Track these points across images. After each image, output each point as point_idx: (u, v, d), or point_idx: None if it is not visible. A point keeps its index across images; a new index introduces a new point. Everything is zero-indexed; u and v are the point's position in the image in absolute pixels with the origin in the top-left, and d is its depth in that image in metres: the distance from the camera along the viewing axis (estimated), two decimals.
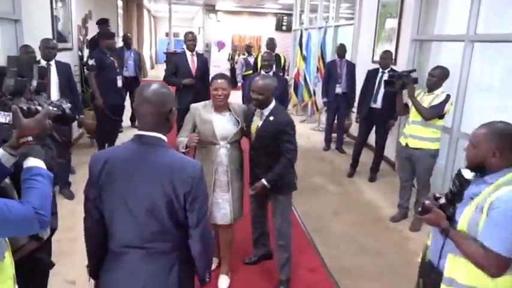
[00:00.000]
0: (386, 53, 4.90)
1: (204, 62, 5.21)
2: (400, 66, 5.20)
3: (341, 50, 6.04)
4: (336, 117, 6.22)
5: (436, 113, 3.54)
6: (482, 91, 4.12)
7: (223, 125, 2.68)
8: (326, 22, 7.78)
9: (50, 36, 4.87)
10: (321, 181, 5.10)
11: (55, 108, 1.66)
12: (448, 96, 3.55)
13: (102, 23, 6.43)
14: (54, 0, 5.14)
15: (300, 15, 10.08)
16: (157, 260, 1.46)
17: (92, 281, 1.65)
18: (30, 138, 1.31)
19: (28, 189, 1.25)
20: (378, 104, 4.82)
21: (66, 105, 1.68)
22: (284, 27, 15.39)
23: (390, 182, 5.01)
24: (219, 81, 2.63)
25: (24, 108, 1.37)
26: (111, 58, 5.09)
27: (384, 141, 4.98)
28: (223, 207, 2.73)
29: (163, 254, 1.47)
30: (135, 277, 1.45)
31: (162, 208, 1.41)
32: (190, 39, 5.04)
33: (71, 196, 4.14)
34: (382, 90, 4.67)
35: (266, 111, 2.66)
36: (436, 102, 3.55)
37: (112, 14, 9.60)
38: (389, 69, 4.78)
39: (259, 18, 15.78)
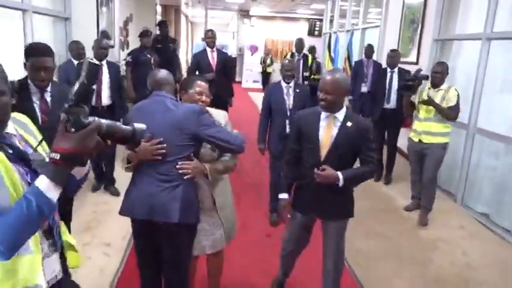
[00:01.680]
0: (395, 51, 4.87)
1: (224, 57, 5.48)
2: (423, 65, 5.34)
3: (369, 50, 6.13)
4: (361, 115, 6.37)
5: (458, 111, 3.70)
6: (498, 88, 4.22)
7: None
8: (353, 25, 7.99)
9: (95, 35, 5.38)
10: None
11: (129, 128, 1.17)
12: (456, 90, 3.71)
13: (144, 35, 6.64)
14: (100, 1, 5.65)
15: (331, 20, 10.32)
16: None
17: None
18: (56, 156, 1.00)
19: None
20: (391, 104, 4.73)
21: (139, 126, 1.17)
22: (316, 32, 15.61)
23: (404, 175, 5.15)
24: (204, 84, 2.22)
25: (84, 120, 1.03)
26: (148, 55, 5.53)
27: (396, 142, 4.93)
28: (212, 233, 2.26)
29: None
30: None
31: None
32: (210, 37, 5.36)
33: (116, 193, 4.17)
34: (395, 91, 4.64)
35: (340, 116, 2.21)
36: (447, 97, 3.70)
37: (151, 19, 10.16)
38: (397, 68, 4.78)
39: (292, 23, 16.09)
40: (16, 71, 3.40)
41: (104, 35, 5.82)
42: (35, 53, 2.25)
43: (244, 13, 15.86)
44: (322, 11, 11.90)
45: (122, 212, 2.04)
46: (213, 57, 5.32)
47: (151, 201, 1.92)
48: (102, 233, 3.44)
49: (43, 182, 1.01)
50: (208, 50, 5.35)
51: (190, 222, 1.98)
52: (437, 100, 3.72)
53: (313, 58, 6.87)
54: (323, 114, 2.23)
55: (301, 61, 6.23)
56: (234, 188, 2.48)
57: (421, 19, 5.48)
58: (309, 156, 2.26)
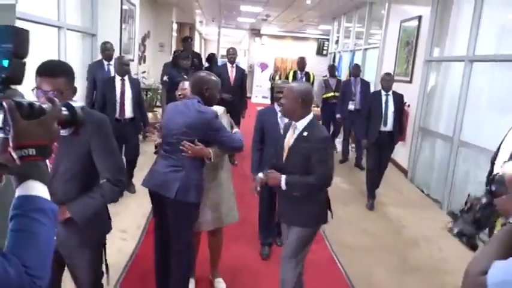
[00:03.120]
0: (389, 75, 4.86)
1: (241, 74, 6.09)
2: (415, 83, 5.82)
3: (356, 69, 6.50)
4: (352, 133, 6.69)
5: None
6: (479, 105, 4.64)
7: None
8: (355, 46, 8.50)
9: (118, 50, 5.94)
10: (336, 180, 5.71)
11: (63, 108, 0.99)
12: None
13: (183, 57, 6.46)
14: (123, 19, 6.25)
15: (337, 41, 10.87)
16: None
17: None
18: (32, 152, 0.83)
19: (20, 234, 0.79)
20: (388, 126, 4.69)
21: (77, 105, 1.02)
22: (324, 52, 16.15)
23: (396, 183, 5.55)
24: (183, 86, 2.77)
25: (24, 104, 0.85)
26: (185, 76, 5.94)
27: (387, 165, 4.95)
28: (205, 213, 2.68)
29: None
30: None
31: None
32: (231, 54, 6.01)
33: (133, 190, 4.46)
34: (391, 113, 4.67)
35: (301, 125, 2.32)
36: None
37: (167, 35, 10.82)
38: (391, 91, 4.74)
39: (301, 42, 16.69)
40: None
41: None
42: (39, 71, 1.70)
43: (255, 32, 16.53)
44: (329, 31, 12.47)
45: (143, 183, 2.57)
46: (232, 72, 5.95)
47: (160, 178, 2.45)
48: (119, 222, 3.90)
49: (36, 188, 0.83)
50: (229, 65, 5.97)
51: (185, 200, 2.41)
52: None
53: (335, 77, 7.12)
54: (290, 123, 2.42)
55: (304, 79, 6.64)
56: (239, 189, 2.93)
57: (415, 41, 5.96)
58: (276, 157, 2.52)
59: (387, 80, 4.76)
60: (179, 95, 2.77)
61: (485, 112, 4.55)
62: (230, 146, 2.52)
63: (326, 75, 7.54)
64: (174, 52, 7.16)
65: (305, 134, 2.29)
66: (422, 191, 5.49)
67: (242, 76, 6.10)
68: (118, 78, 4.27)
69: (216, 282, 2.99)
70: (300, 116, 2.31)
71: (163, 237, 2.60)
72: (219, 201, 2.76)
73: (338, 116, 6.53)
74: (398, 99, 4.77)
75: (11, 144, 0.82)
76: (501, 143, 2.84)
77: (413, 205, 4.97)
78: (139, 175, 5.18)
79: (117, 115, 4.23)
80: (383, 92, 4.75)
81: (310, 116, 2.33)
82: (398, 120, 4.75)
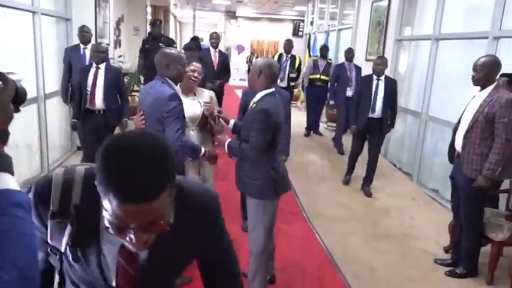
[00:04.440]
0: (382, 59, 4.59)
1: (224, 58, 6.15)
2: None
3: (350, 53, 6.24)
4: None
5: None
6: (445, 81, 4.89)
7: (192, 107, 2.78)
8: (329, 26, 8.65)
9: (93, 33, 5.91)
10: (314, 158, 5.94)
11: None
12: None
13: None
14: (97, 3, 6.21)
15: (311, 22, 10.99)
16: None
17: None
18: None
19: (4, 236, 0.69)
20: (376, 113, 4.48)
21: (16, 77, 0.81)
22: (300, 33, 16.25)
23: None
24: (197, 64, 2.80)
25: None
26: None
27: (379, 152, 4.74)
28: None
29: None
30: None
31: None
32: (214, 38, 6.01)
33: None
34: (381, 99, 4.46)
35: (257, 98, 2.42)
36: None
37: (142, 19, 10.71)
38: (384, 76, 4.52)
39: (277, 24, 16.75)
40: (24, 71, 3.96)
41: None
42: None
43: (231, 14, 16.47)
44: (304, 13, 12.57)
45: None
46: (215, 57, 5.94)
47: None
48: None
49: (4, 180, 0.72)
50: (212, 50, 5.97)
51: None
52: None
53: (326, 58, 6.88)
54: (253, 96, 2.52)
55: (288, 62, 6.70)
56: (222, 167, 3.06)
57: (385, 21, 6.15)
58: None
59: (378, 65, 4.48)
60: (195, 76, 2.76)
61: (451, 88, 4.80)
62: (169, 134, 2.36)
63: (317, 56, 7.44)
64: (144, 40, 6.66)
65: (254, 105, 2.41)
66: (395, 165, 5.77)
67: (225, 60, 6.14)
68: (94, 66, 3.99)
69: None
70: (258, 88, 2.41)
71: None
72: (209, 176, 2.92)
73: (332, 102, 6.40)
74: (391, 85, 4.52)
75: None
76: (462, 115, 3.10)
77: (386, 178, 5.23)
78: None
79: (88, 104, 3.98)
80: (374, 77, 4.51)
81: (268, 90, 2.39)
82: (389, 108, 4.51)
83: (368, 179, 4.74)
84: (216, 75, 5.76)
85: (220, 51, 6.07)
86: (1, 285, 0.65)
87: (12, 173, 0.75)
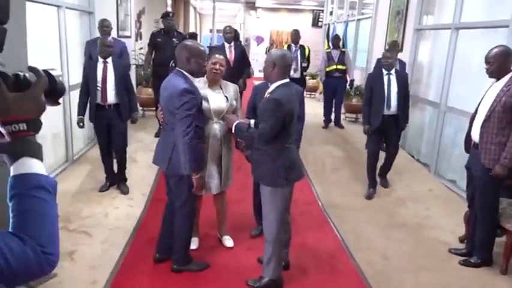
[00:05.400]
0: (389, 52, 4.40)
1: (241, 51, 5.81)
2: (406, 52, 5.98)
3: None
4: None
5: None
6: (465, 71, 4.83)
7: (217, 101, 2.84)
8: (348, 16, 8.58)
9: (115, 26, 6.06)
10: (330, 149, 5.96)
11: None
12: None
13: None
14: None
15: (331, 12, 10.91)
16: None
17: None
18: (23, 126, 0.79)
19: (27, 214, 0.77)
20: (392, 109, 4.22)
21: (56, 73, 0.89)
22: (320, 23, 16.12)
23: None
24: (218, 56, 2.83)
25: (10, 75, 0.81)
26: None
27: (397, 149, 4.51)
28: (216, 178, 2.93)
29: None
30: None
31: None
32: (228, 32, 5.63)
33: (127, 191, 4.10)
34: (395, 94, 4.20)
35: (272, 87, 2.50)
36: None
37: (162, 11, 10.80)
38: (394, 69, 4.28)
39: (296, 14, 16.63)
40: (49, 64, 4.12)
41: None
42: None
43: (250, 5, 16.45)
44: (324, 3, 12.46)
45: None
46: (231, 52, 5.60)
47: (157, 151, 2.79)
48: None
49: (32, 164, 0.80)
50: (227, 45, 5.63)
51: (176, 173, 2.63)
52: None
53: (339, 48, 6.99)
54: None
55: (299, 52, 6.72)
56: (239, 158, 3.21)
57: (405, 10, 6.08)
58: None
59: (387, 58, 4.23)
60: (216, 69, 2.79)
61: (470, 78, 4.73)
62: (178, 131, 2.48)
63: (330, 47, 7.40)
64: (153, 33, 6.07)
65: (267, 95, 2.48)
66: (413, 156, 5.74)
67: (242, 54, 5.83)
68: (100, 61, 3.88)
69: (224, 239, 3.27)
70: (273, 79, 2.48)
71: (171, 203, 2.88)
72: (229, 166, 3.00)
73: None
74: (402, 78, 4.31)
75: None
76: (478, 104, 3.08)
77: (403, 169, 5.21)
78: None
79: (98, 100, 3.88)
80: (384, 72, 4.25)
81: (282, 81, 2.46)
82: (403, 103, 4.28)
83: (384, 171, 4.59)
84: (234, 71, 5.31)
85: (236, 44, 5.72)
86: (26, 260, 0.72)
87: (41, 159, 0.82)
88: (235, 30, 6.14)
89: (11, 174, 0.80)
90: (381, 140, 4.40)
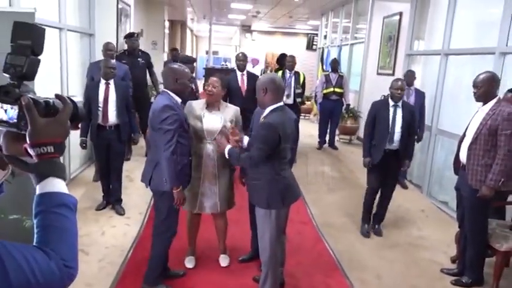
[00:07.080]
0: (402, 81, 3.89)
1: (254, 81, 5.33)
2: (397, 76, 6.14)
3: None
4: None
5: None
6: (454, 95, 4.99)
7: (211, 121, 2.90)
8: (341, 40, 8.82)
9: (115, 47, 6.17)
10: (324, 169, 6.06)
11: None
12: None
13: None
14: (119, 18, 6.50)
15: (325, 36, 11.19)
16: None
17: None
18: (51, 149, 0.87)
19: (50, 229, 0.83)
20: (394, 144, 3.84)
21: (77, 100, 0.98)
22: (314, 47, 16.48)
23: None
24: (213, 78, 2.95)
25: (41, 101, 0.88)
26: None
27: (394, 187, 4.10)
28: (211, 197, 2.98)
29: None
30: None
31: None
32: (241, 60, 5.21)
33: (122, 212, 4.13)
34: (399, 128, 3.82)
35: (265, 112, 2.56)
36: None
37: (159, 33, 11.03)
38: (401, 101, 3.85)
39: (291, 37, 17.02)
40: (50, 84, 4.21)
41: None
42: None
43: (246, 28, 16.83)
44: (318, 27, 12.78)
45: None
46: (243, 81, 5.17)
47: (143, 169, 2.79)
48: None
49: (56, 184, 0.87)
50: (239, 73, 5.20)
51: (158, 189, 2.65)
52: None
53: (337, 72, 7.05)
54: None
55: (293, 78, 6.39)
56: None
57: (397, 36, 6.30)
58: None
59: (397, 89, 3.77)
60: (209, 90, 2.89)
61: (460, 102, 4.89)
62: (159, 145, 2.55)
63: (328, 70, 7.53)
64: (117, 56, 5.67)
65: (262, 119, 2.53)
66: (405, 178, 5.83)
67: (255, 84, 5.43)
68: (103, 82, 3.97)
69: (221, 257, 3.30)
70: (268, 103, 2.52)
71: None
72: (226, 189, 3.02)
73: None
74: (411, 112, 3.88)
75: (28, 141, 0.84)
76: (466, 128, 3.20)
77: (396, 190, 5.25)
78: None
79: (99, 121, 3.97)
80: (391, 102, 3.84)
81: (277, 105, 2.51)
82: (407, 138, 3.86)
83: (378, 217, 4.10)
84: (245, 101, 4.68)
85: (249, 74, 5.24)
86: (51, 274, 0.77)
87: (64, 179, 0.89)
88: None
89: (37, 192, 0.86)
90: (381, 174, 3.95)
